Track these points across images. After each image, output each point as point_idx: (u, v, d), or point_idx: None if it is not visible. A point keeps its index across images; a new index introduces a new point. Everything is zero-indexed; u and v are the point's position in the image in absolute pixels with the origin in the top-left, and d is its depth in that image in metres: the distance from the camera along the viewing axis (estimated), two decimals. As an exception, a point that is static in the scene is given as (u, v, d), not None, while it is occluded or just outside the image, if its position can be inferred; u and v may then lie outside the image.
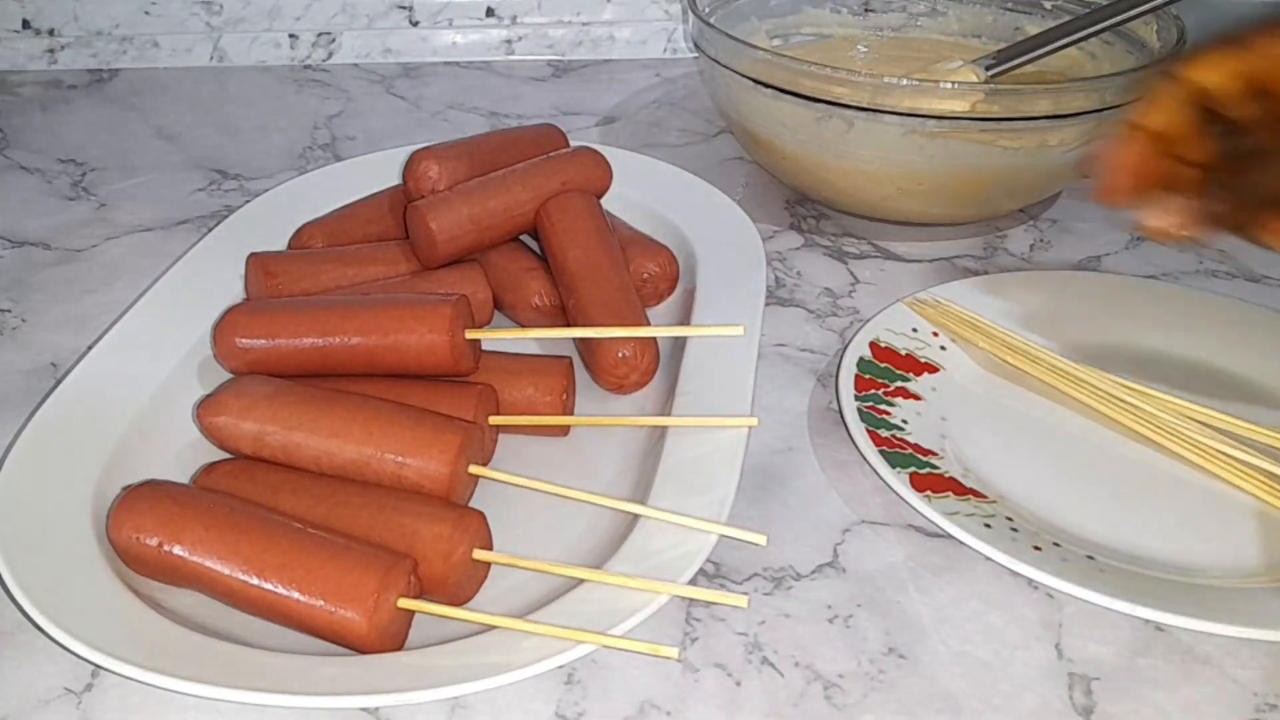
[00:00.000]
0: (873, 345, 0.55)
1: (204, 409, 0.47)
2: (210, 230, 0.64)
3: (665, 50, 0.98)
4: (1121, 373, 0.54)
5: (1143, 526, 0.47)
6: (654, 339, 0.53)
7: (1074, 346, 0.56)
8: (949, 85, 0.62)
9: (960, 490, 0.47)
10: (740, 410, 0.49)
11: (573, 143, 0.67)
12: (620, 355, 0.52)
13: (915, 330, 0.57)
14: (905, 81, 0.61)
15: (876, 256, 0.68)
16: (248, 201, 0.67)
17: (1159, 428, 0.51)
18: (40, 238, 0.70)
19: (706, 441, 0.47)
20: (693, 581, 0.41)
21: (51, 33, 0.94)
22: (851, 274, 0.66)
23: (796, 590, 0.45)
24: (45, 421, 0.48)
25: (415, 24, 0.96)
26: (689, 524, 0.43)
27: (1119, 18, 0.67)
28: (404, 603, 0.40)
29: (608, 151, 0.73)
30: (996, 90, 0.64)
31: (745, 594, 0.41)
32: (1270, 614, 0.41)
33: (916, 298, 0.59)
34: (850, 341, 0.56)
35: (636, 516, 0.44)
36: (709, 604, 0.43)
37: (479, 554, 0.43)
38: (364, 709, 0.39)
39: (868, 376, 0.53)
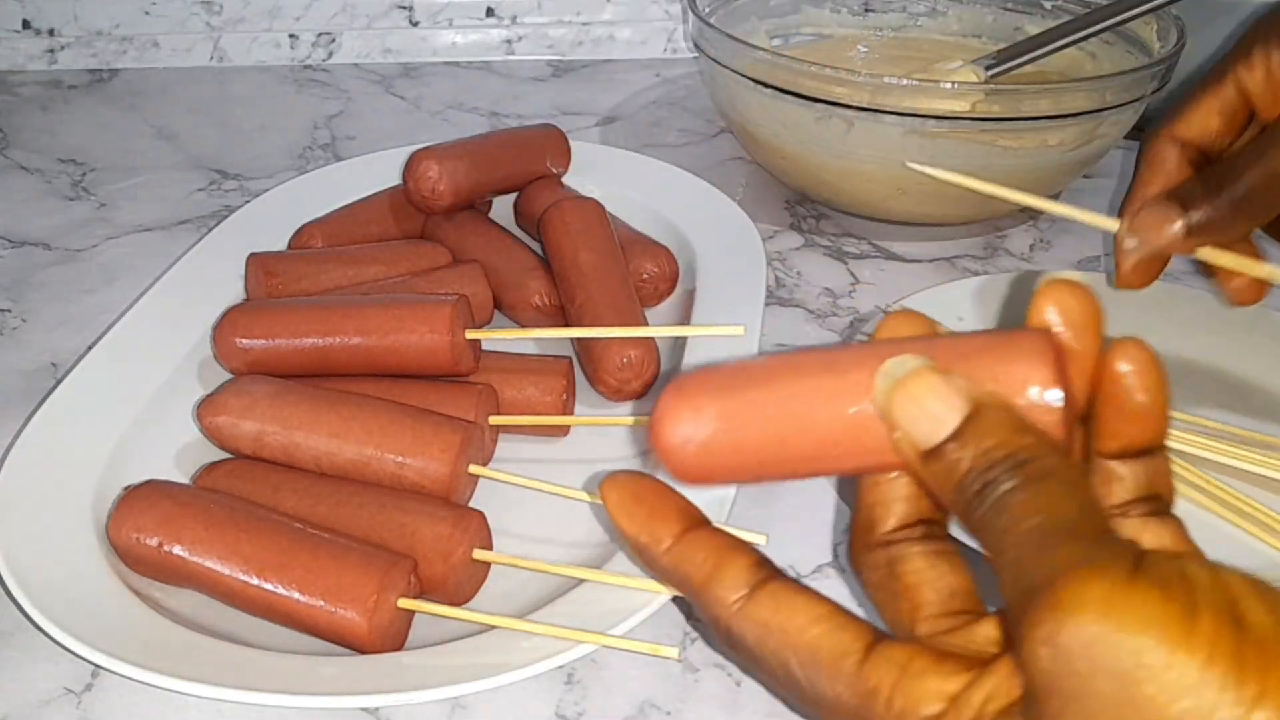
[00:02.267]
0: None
1: (204, 409, 0.47)
2: (210, 230, 0.64)
3: (665, 50, 0.98)
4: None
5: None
6: (656, 349, 0.53)
7: (1074, 346, 0.56)
8: (949, 85, 0.62)
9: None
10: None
11: (573, 143, 0.67)
12: (624, 360, 0.52)
13: (915, 330, 0.57)
14: (905, 81, 0.61)
15: (876, 256, 0.68)
16: (248, 201, 0.66)
17: None
18: (40, 238, 0.70)
19: (706, 441, 0.47)
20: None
21: (51, 33, 0.94)
22: (851, 274, 0.66)
23: (796, 590, 0.45)
24: (45, 421, 0.48)
25: (415, 24, 0.96)
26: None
27: (1119, 18, 0.67)
28: (404, 603, 0.40)
29: (608, 151, 0.73)
30: (996, 90, 0.64)
31: (745, 594, 0.41)
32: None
33: (903, 305, 0.58)
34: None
35: (636, 516, 0.44)
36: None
37: (479, 554, 0.43)
38: (364, 709, 0.39)
39: (868, 376, 0.53)
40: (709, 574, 0.29)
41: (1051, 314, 0.28)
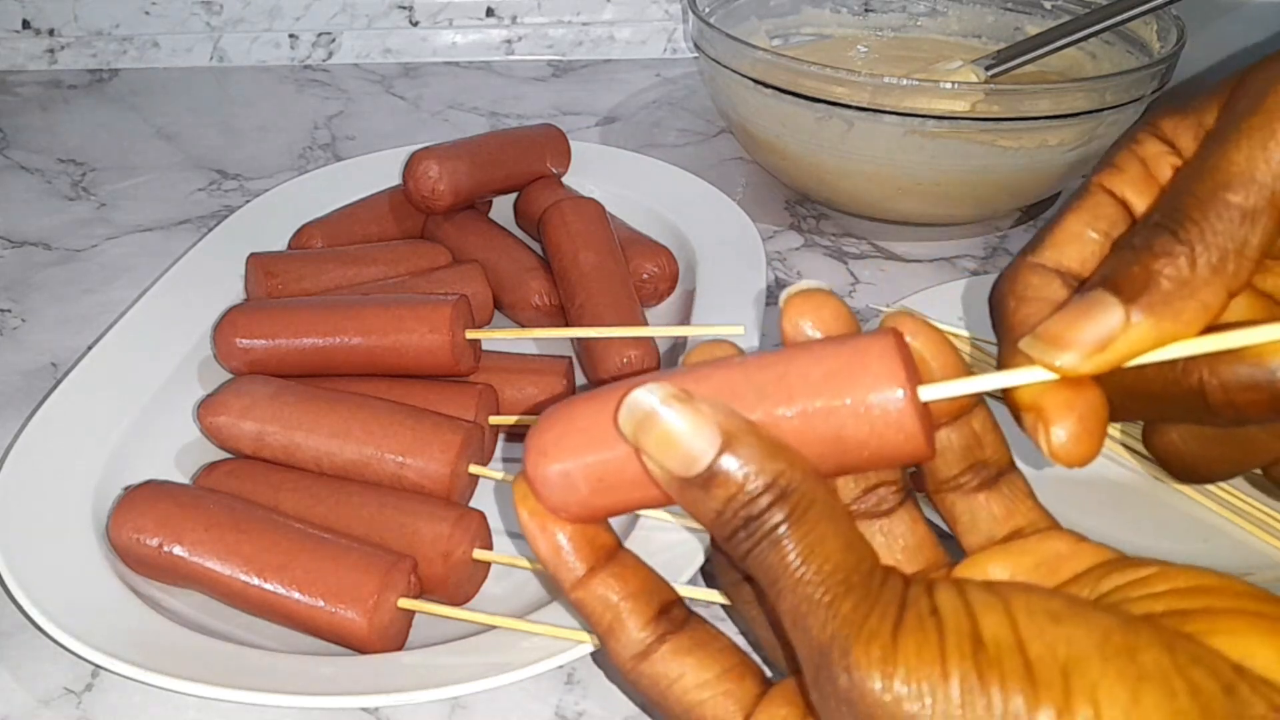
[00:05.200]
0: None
1: (204, 409, 0.47)
2: (210, 230, 0.64)
3: (665, 50, 0.98)
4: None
5: (1141, 528, 0.47)
6: (656, 349, 0.53)
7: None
8: (949, 85, 0.62)
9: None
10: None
11: (573, 143, 0.67)
12: (624, 360, 0.52)
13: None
14: (905, 81, 0.61)
15: (876, 256, 0.68)
16: (248, 201, 0.67)
17: (1142, 457, 0.50)
18: (40, 238, 0.70)
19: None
20: (692, 581, 0.41)
21: (51, 33, 0.94)
22: (851, 274, 0.66)
23: (796, 590, 0.45)
24: (45, 421, 0.48)
25: (415, 24, 0.96)
26: (689, 524, 0.43)
27: (1119, 18, 0.67)
28: (404, 603, 0.40)
29: (608, 151, 0.73)
30: (996, 90, 0.64)
31: (745, 594, 0.41)
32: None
33: (903, 305, 0.58)
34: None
35: (636, 516, 0.44)
36: (708, 604, 0.43)
37: (479, 554, 0.43)
38: (364, 709, 0.39)
39: (867, 376, 0.53)
40: (607, 627, 0.29)
41: (807, 328, 0.28)
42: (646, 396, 0.26)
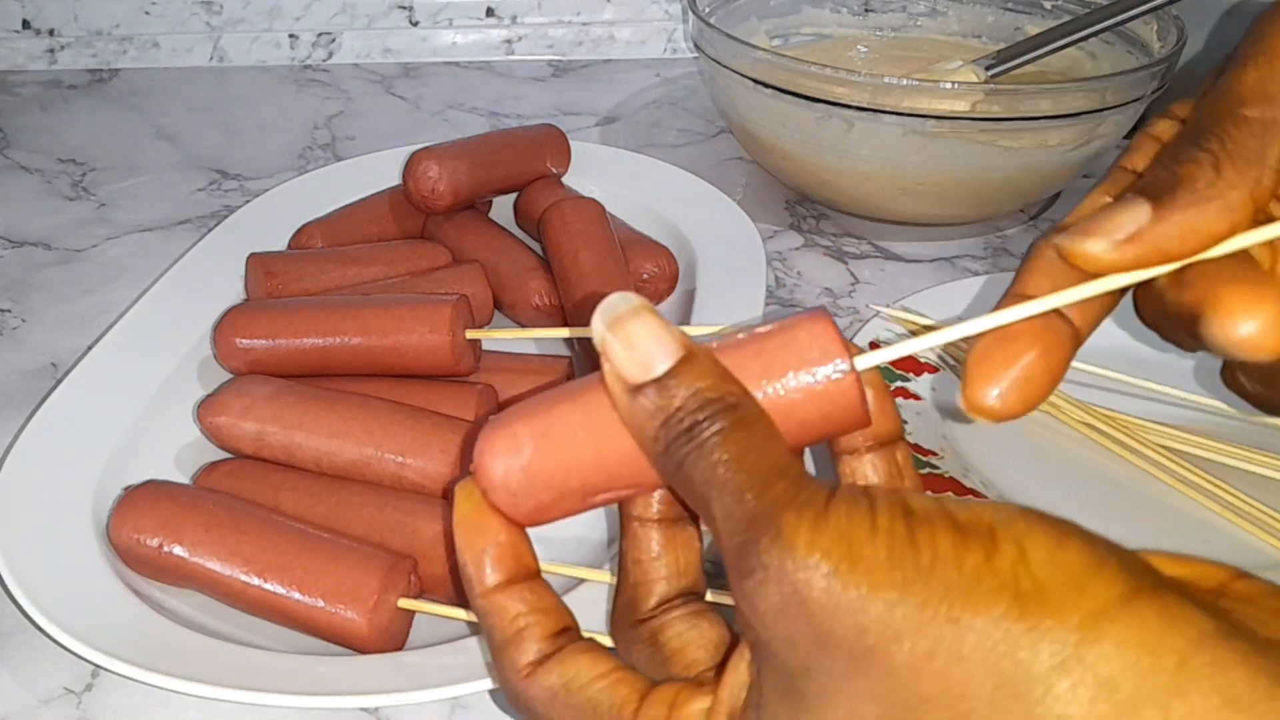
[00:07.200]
0: (872, 345, 0.55)
1: (204, 409, 0.47)
2: (210, 230, 0.64)
3: (665, 50, 0.98)
4: (1123, 372, 0.54)
5: (1140, 528, 0.47)
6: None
7: (1074, 346, 0.56)
8: (949, 85, 0.62)
9: (960, 490, 0.47)
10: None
11: (573, 143, 0.67)
12: None
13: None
14: (905, 81, 0.61)
15: (876, 256, 0.68)
16: (248, 201, 0.66)
17: (1142, 457, 0.50)
18: (40, 238, 0.70)
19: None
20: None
21: (51, 33, 0.94)
22: (851, 274, 0.66)
23: (796, 590, 0.45)
24: (45, 421, 0.48)
25: (415, 24, 0.96)
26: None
27: (1119, 18, 0.67)
28: (404, 603, 0.40)
29: (607, 151, 0.73)
30: (996, 90, 0.64)
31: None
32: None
33: (903, 305, 0.58)
34: (850, 341, 0.55)
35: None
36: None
37: (479, 554, 0.43)
38: (364, 709, 0.39)
39: (867, 376, 0.53)
40: (509, 637, 0.29)
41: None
42: (624, 301, 0.28)
